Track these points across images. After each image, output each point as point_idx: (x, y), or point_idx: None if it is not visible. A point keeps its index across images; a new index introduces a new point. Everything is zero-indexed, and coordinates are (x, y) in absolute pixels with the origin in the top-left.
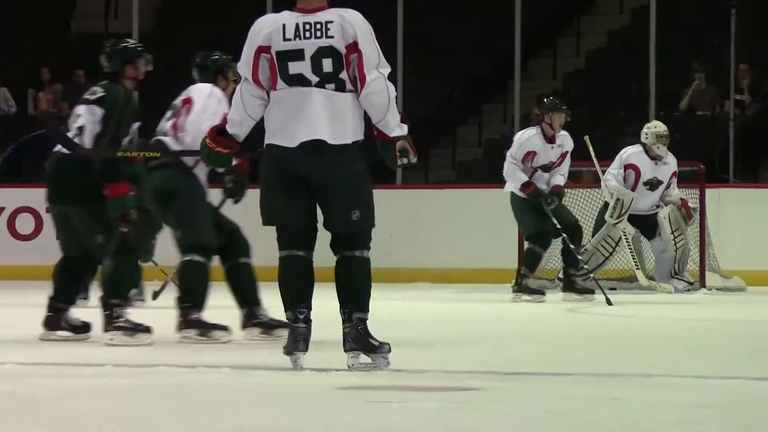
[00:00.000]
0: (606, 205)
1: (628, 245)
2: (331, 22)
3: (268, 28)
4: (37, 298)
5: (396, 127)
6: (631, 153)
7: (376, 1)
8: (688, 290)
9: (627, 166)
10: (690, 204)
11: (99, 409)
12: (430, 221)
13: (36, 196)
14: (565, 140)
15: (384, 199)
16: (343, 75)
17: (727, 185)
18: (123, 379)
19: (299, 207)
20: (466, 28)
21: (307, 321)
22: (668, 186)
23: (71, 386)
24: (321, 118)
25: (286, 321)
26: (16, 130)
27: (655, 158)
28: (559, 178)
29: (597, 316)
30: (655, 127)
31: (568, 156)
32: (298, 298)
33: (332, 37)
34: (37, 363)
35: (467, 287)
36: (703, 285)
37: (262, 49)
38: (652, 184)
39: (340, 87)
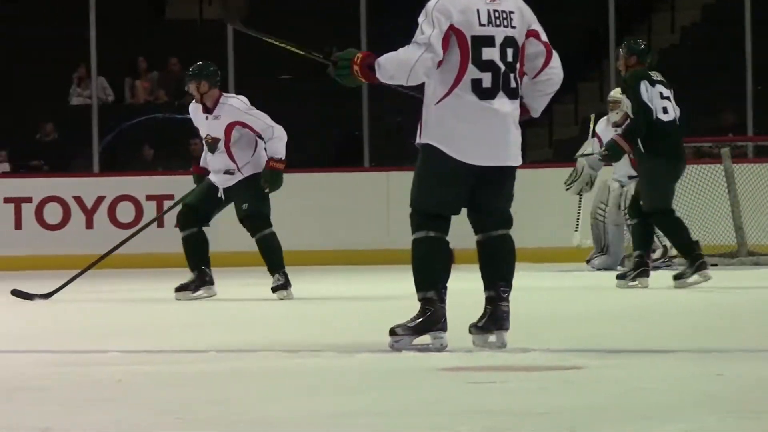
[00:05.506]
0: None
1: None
2: (513, 12)
3: (463, 10)
4: (143, 286)
5: None
6: (599, 122)
7: None
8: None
9: (594, 135)
10: None
11: (203, 394)
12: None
13: (137, 185)
14: None
15: None
16: (517, 66)
17: None
18: (225, 364)
19: (463, 199)
20: (560, 3)
21: (444, 301)
22: None
23: (174, 373)
24: (511, 145)
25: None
26: (115, 118)
27: (614, 125)
28: None
29: (688, 292)
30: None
31: None
32: (441, 277)
33: (515, 27)
34: (140, 351)
35: (551, 266)
36: None
37: (452, 28)
38: None
39: (516, 81)
